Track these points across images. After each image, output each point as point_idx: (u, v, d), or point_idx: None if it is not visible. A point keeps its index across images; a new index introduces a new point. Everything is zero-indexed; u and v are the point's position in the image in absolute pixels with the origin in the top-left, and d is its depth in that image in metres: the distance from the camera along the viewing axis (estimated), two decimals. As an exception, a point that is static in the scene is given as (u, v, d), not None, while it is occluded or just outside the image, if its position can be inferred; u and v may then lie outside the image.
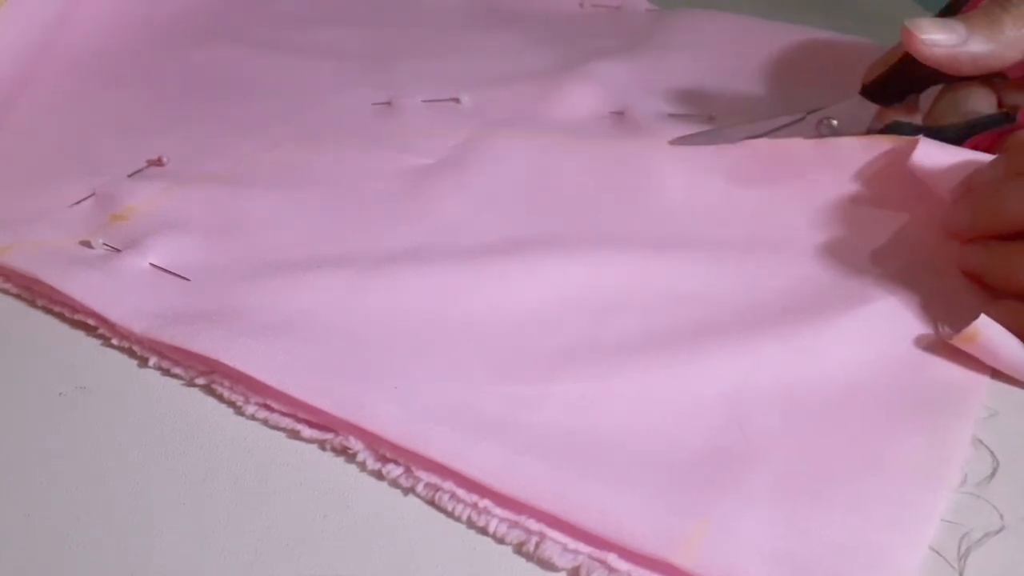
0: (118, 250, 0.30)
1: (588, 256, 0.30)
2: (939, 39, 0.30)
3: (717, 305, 0.28)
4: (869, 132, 0.34)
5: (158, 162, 0.36)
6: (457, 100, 0.40)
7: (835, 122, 0.34)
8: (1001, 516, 0.22)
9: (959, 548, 0.21)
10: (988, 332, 0.25)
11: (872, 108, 0.34)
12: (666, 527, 0.20)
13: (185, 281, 0.29)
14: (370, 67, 0.43)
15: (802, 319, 0.27)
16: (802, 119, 0.35)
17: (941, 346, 0.26)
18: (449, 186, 0.34)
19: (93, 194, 0.33)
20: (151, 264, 0.30)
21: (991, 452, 0.23)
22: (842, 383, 0.25)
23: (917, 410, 0.24)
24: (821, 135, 0.34)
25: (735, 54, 0.43)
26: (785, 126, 0.35)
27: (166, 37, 0.46)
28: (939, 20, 0.31)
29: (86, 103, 0.41)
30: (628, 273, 0.29)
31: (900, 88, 0.34)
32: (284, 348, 0.26)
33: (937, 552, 0.21)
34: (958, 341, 0.25)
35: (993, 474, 0.23)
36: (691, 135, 0.36)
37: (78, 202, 0.33)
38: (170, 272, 0.29)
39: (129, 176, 0.35)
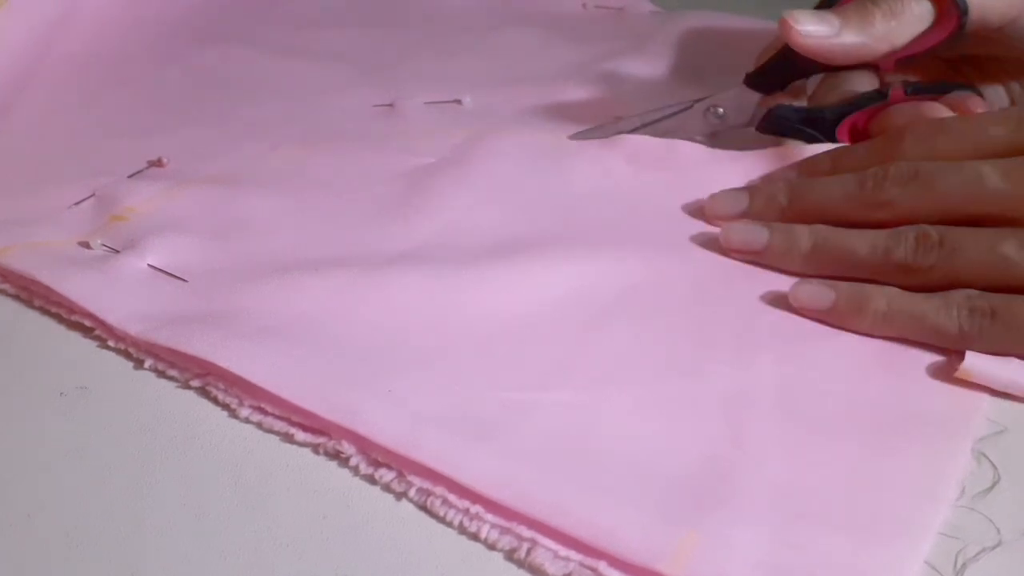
0: (117, 251, 0.30)
1: (587, 261, 0.30)
2: (813, 30, 0.31)
3: (715, 313, 0.28)
4: (754, 117, 0.35)
5: (158, 163, 0.36)
6: (459, 102, 0.40)
7: (721, 110, 0.35)
8: (999, 531, 0.21)
9: (955, 563, 0.20)
10: (979, 366, 0.25)
11: (756, 95, 0.36)
12: (656, 537, 0.20)
13: (183, 282, 0.29)
14: (372, 69, 0.44)
15: (799, 329, 0.27)
16: (689, 107, 0.36)
17: (940, 359, 0.26)
18: (449, 188, 0.34)
19: (93, 195, 0.34)
20: (149, 265, 0.30)
21: (994, 467, 0.23)
22: (839, 395, 0.25)
23: (915, 423, 0.24)
24: (709, 123, 0.36)
25: (738, 56, 0.43)
26: (672, 115, 0.36)
27: (167, 38, 0.47)
28: (815, 12, 0.32)
29: (87, 104, 0.41)
30: (627, 278, 0.29)
31: (781, 77, 0.35)
32: (279, 351, 0.26)
33: (932, 567, 0.20)
34: (961, 375, 0.25)
35: (992, 489, 0.22)
36: (588, 129, 0.37)
37: (78, 203, 0.33)
38: (168, 273, 0.29)
39: (129, 177, 0.35)
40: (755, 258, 0.30)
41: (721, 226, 0.31)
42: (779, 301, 0.28)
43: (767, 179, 0.33)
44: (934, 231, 0.27)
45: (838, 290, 0.27)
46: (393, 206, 0.33)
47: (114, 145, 0.37)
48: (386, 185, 0.34)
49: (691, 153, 0.35)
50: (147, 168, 0.36)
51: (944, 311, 0.26)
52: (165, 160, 0.36)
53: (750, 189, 0.32)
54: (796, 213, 0.30)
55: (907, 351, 0.26)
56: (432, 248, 0.31)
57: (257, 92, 0.42)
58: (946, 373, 0.25)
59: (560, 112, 0.39)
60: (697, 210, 0.33)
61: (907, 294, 0.26)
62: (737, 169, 0.34)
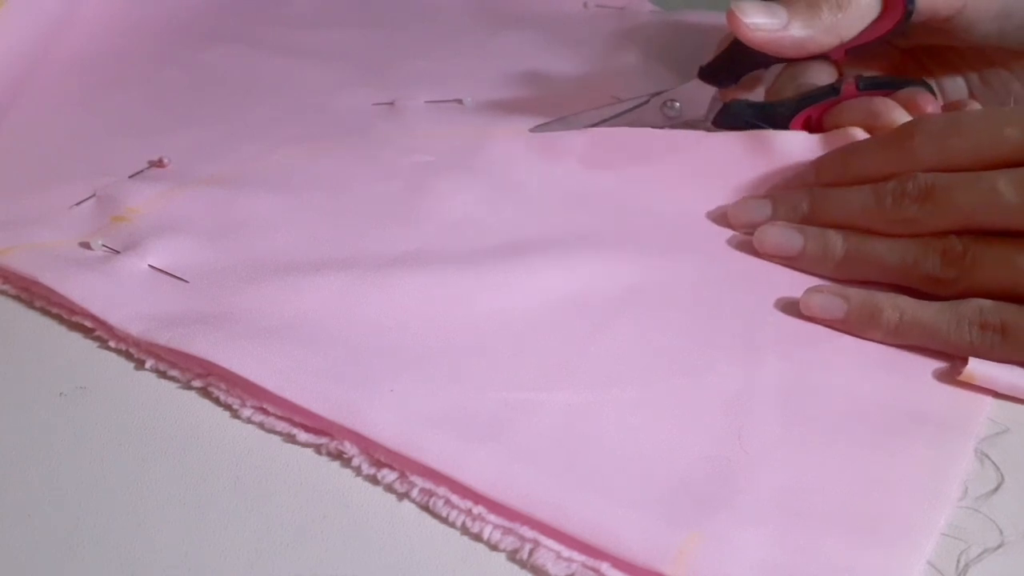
0: (117, 252, 0.30)
1: (589, 260, 0.30)
2: (761, 23, 0.32)
3: (719, 313, 0.28)
4: (710, 111, 0.35)
5: (159, 163, 0.36)
6: (460, 101, 0.40)
7: (677, 104, 0.36)
8: (1001, 532, 0.21)
9: (958, 563, 0.20)
10: (982, 371, 0.25)
11: (711, 88, 0.36)
12: (659, 538, 0.20)
13: (184, 283, 0.29)
14: (373, 68, 0.44)
15: (802, 330, 0.27)
16: (646, 102, 0.36)
17: (943, 359, 0.26)
18: (450, 188, 0.34)
19: (94, 195, 0.34)
20: (150, 266, 0.30)
21: (997, 468, 0.23)
22: (842, 395, 0.25)
23: (918, 423, 0.24)
24: (666, 116, 0.36)
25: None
26: (629, 110, 0.36)
27: (168, 38, 0.47)
28: (763, 4, 0.32)
29: (88, 104, 0.41)
30: (630, 278, 0.29)
31: (733, 70, 0.36)
32: (281, 351, 0.26)
33: (935, 567, 0.20)
34: (965, 378, 0.25)
35: (996, 490, 0.22)
36: (547, 123, 0.37)
37: (79, 203, 0.33)
38: (169, 274, 0.29)
39: (130, 177, 0.35)
40: (787, 263, 0.30)
41: (756, 229, 0.31)
42: (783, 301, 0.28)
43: (786, 185, 0.33)
44: (960, 244, 0.27)
45: (850, 301, 0.27)
46: (394, 206, 0.33)
47: (114, 145, 0.37)
48: (387, 185, 0.34)
49: (692, 146, 0.34)
50: (148, 168, 0.36)
51: (955, 325, 0.26)
52: (166, 160, 0.36)
53: (772, 197, 0.32)
54: (818, 222, 0.30)
55: (910, 352, 0.26)
56: (434, 248, 0.31)
57: (258, 92, 0.42)
58: (949, 374, 0.25)
59: (560, 112, 0.39)
60: (701, 209, 0.33)
61: (919, 304, 0.27)
62: (742, 161, 0.33)
